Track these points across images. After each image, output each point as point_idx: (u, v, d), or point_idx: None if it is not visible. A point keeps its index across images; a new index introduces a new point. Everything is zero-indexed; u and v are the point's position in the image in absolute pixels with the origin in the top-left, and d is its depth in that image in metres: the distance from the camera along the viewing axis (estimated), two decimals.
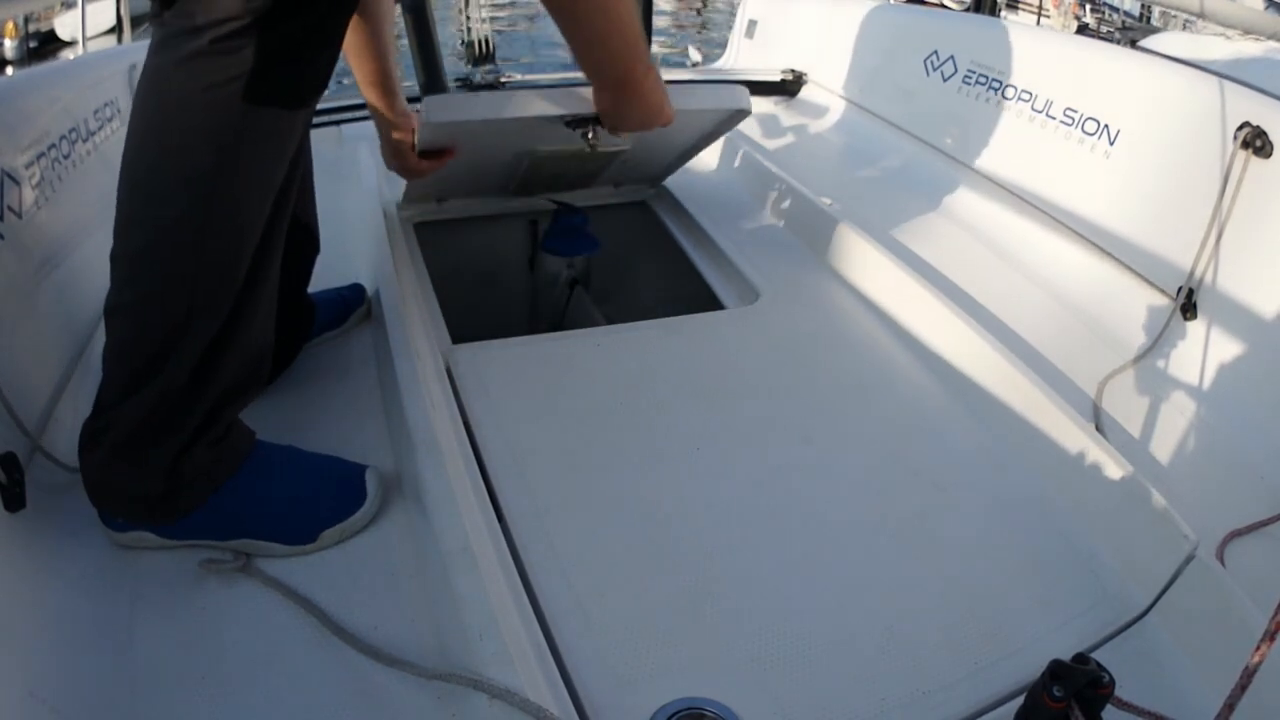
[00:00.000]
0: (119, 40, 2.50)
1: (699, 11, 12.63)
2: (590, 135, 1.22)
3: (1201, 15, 1.48)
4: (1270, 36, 1.49)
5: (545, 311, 1.83)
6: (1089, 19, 10.06)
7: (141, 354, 0.83)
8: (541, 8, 0.97)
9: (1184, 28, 7.16)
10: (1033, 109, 1.71)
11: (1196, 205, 1.33)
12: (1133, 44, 1.65)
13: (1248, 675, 0.56)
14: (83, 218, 1.39)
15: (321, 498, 0.91)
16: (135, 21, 2.61)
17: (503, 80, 2.59)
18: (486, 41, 2.74)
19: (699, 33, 12.08)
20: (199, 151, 0.78)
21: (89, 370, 1.19)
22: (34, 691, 0.73)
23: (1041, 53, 1.75)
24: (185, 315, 0.82)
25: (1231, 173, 1.28)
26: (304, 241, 1.18)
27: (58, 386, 1.11)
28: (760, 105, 2.39)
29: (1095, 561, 0.94)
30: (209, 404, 0.86)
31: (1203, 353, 1.30)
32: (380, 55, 1.21)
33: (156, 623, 0.82)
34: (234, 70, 0.76)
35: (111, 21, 2.57)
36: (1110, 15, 9.87)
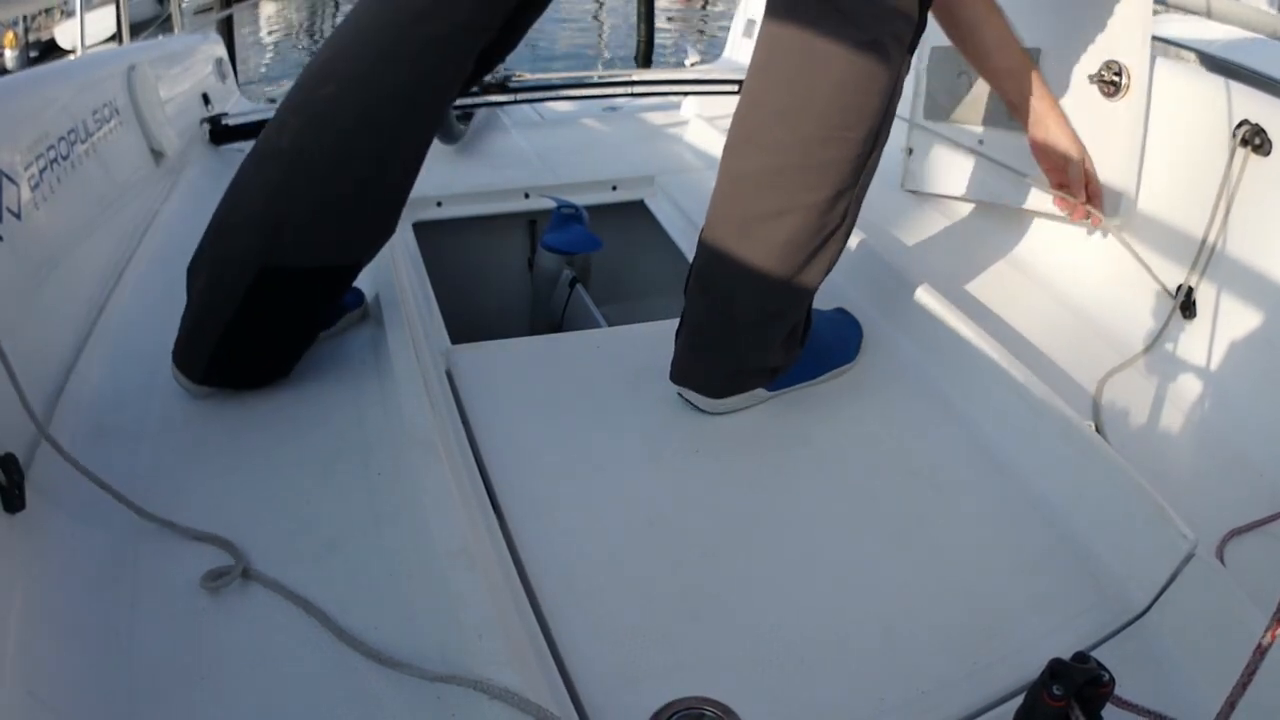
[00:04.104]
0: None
1: (704, 4, 12.56)
2: None
3: (1208, 15, 1.48)
4: (1270, 36, 1.49)
5: (545, 311, 1.83)
6: None
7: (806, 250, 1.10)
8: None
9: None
10: None
11: (1195, 203, 1.33)
12: None
13: (1249, 674, 0.55)
14: (81, 218, 1.39)
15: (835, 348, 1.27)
16: (135, 29, 2.59)
17: (510, 80, 2.58)
18: None
19: (702, 21, 12.05)
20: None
21: (87, 370, 1.19)
22: (34, 691, 0.73)
23: None
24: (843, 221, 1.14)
25: (1230, 170, 1.28)
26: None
27: (57, 386, 1.11)
28: None
29: (1094, 561, 0.94)
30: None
31: (1202, 351, 1.30)
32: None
33: (156, 623, 0.82)
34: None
35: (111, 29, 2.55)
36: None
